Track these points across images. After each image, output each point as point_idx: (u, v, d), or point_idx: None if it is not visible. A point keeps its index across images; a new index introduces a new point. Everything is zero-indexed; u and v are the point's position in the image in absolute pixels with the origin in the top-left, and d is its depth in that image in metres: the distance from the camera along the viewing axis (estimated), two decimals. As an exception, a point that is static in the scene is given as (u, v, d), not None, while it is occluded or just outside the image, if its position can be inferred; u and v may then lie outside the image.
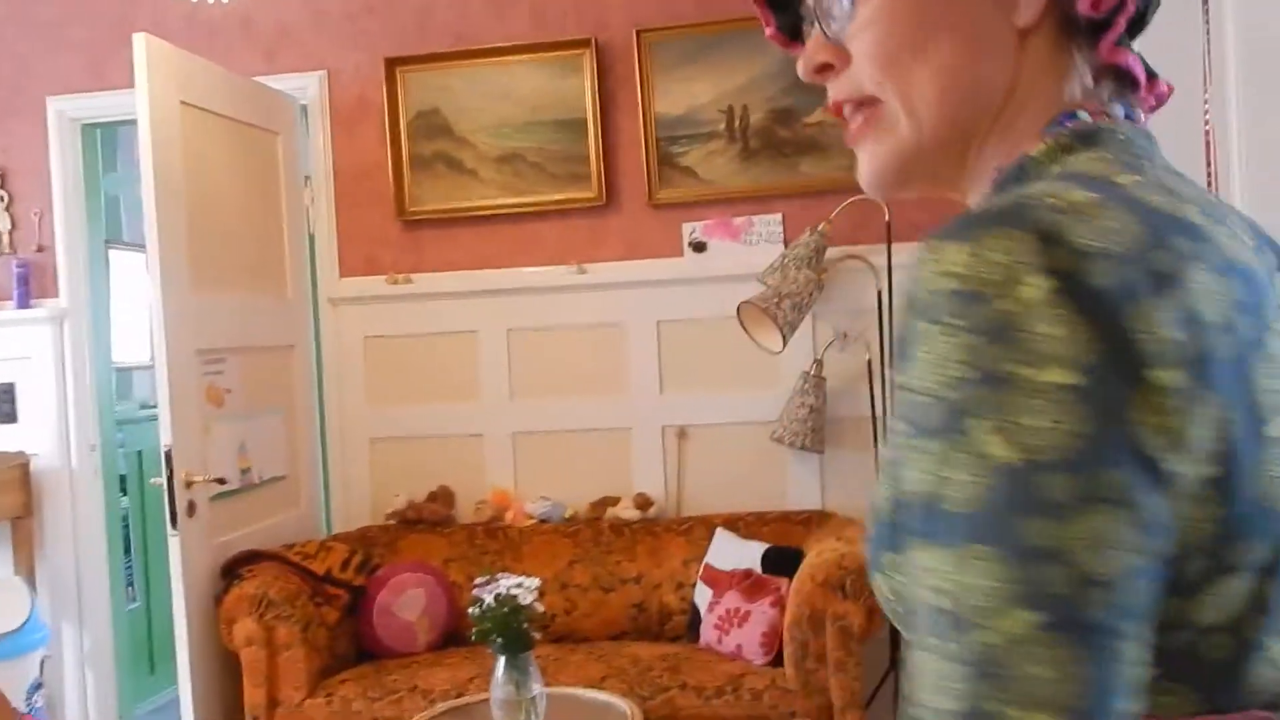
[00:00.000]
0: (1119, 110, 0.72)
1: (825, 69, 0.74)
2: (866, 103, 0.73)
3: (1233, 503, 0.58)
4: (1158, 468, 0.55)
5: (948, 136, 0.71)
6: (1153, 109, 0.75)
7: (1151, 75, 0.74)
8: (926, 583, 0.56)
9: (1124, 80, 0.72)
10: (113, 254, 4.67)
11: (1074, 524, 0.53)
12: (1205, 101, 1.80)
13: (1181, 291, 0.57)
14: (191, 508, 3.24)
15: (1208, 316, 0.58)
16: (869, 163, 0.74)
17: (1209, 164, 1.79)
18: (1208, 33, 1.78)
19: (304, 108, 4.07)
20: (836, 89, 0.74)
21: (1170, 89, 0.75)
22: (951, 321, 0.56)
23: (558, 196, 3.92)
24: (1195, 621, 0.60)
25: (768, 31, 0.83)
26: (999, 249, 0.56)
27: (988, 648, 0.53)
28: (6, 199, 4.15)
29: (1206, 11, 1.78)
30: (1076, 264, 0.55)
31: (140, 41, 3.23)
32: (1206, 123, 1.80)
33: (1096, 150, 0.67)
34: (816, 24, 0.75)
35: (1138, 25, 0.72)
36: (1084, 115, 0.70)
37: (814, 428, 3.55)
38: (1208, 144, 1.80)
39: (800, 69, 0.76)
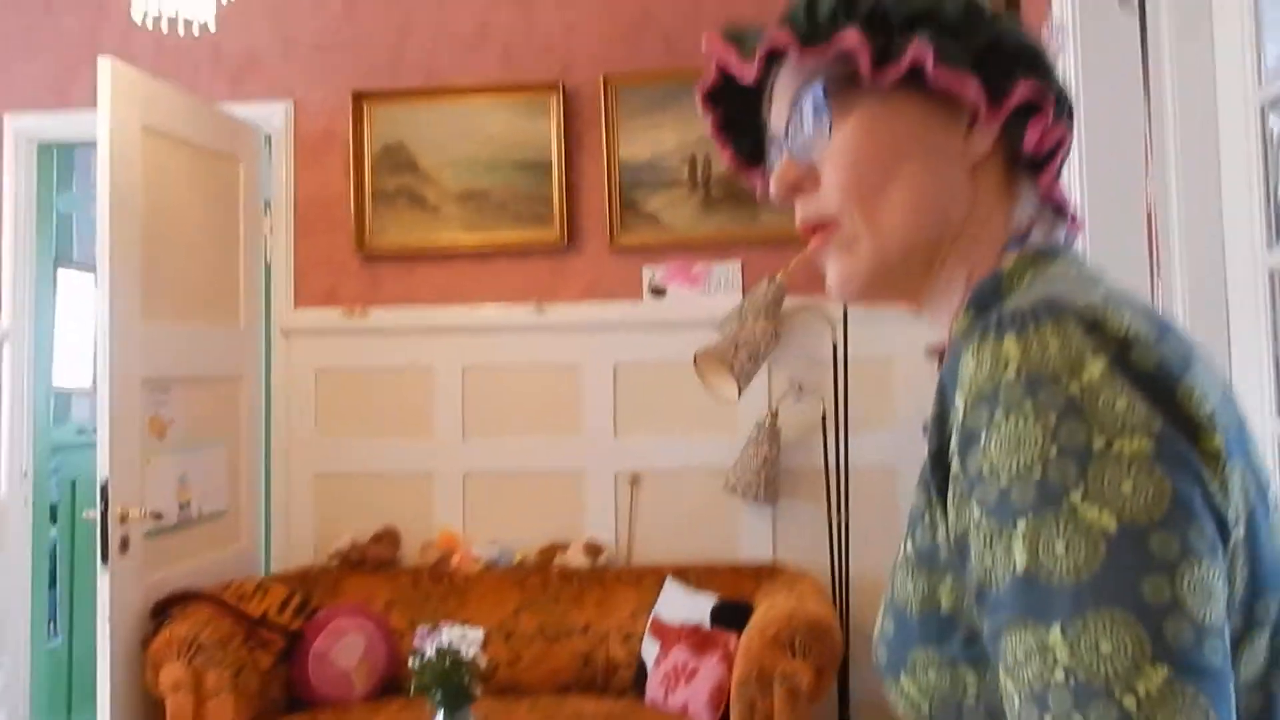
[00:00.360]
0: (1059, 236, 0.80)
1: (797, 190, 0.80)
2: (830, 223, 0.79)
3: (1257, 559, 0.63)
4: (1225, 521, 0.61)
5: (911, 256, 0.77)
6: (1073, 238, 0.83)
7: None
8: (1032, 664, 0.57)
9: (1059, 210, 0.81)
10: (61, 273, 4.57)
11: (1184, 576, 0.56)
12: (1146, 181, 1.88)
13: (1194, 374, 0.63)
14: (125, 543, 3.14)
15: (1213, 397, 0.63)
16: (836, 276, 0.80)
17: (1150, 240, 1.86)
18: (1148, 115, 1.86)
19: (268, 136, 4.03)
20: (805, 209, 0.80)
21: (1081, 224, 0.83)
22: (1025, 406, 0.60)
23: (519, 236, 3.90)
24: (1237, 678, 0.62)
25: (724, 157, 0.89)
26: (1053, 338, 0.61)
27: (1127, 712, 0.54)
28: (-46, 216, 4.07)
29: (1148, 97, 1.85)
30: (1120, 348, 0.61)
31: (105, 65, 3.18)
32: (1148, 199, 1.88)
33: (1061, 265, 0.75)
34: (787, 148, 0.80)
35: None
36: (1037, 237, 0.78)
37: (767, 478, 3.52)
38: (1149, 218, 1.87)
39: (773, 190, 0.81)
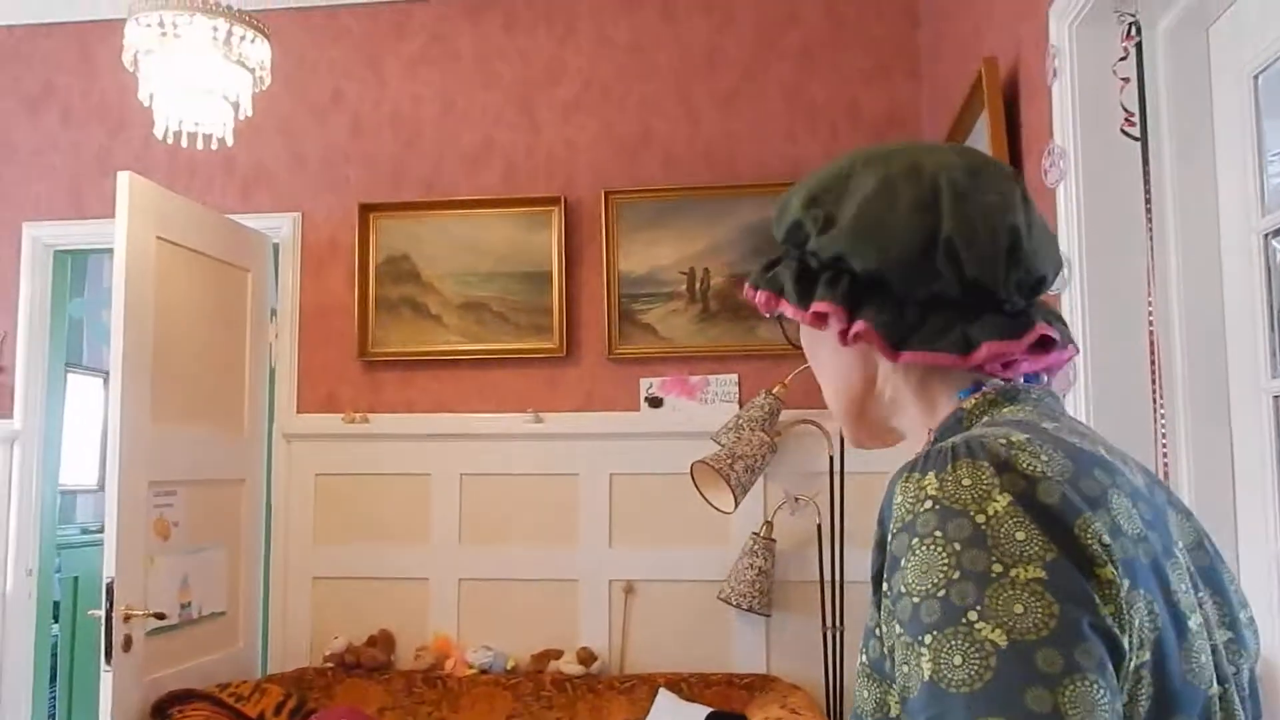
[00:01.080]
0: (1018, 380, 0.92)
1: None
2: None
3: (1164, 682, 0.70)
4: (1118, 644, 0.68)
5: (854, 422, 1.01)
6: (1046, 350, 0.92)
7: (1066, 341, 0.93)
8: None
9: (1007, 366, 0.92)
10: (70, 376, 4.67)
11: (1064, 690, 0.64)
12: (1149, 305, 1.88)
13: (1106, 510, 0.72)
14: (128, 642, 3.18)
15: (1127, 530, 0.72)
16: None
17: (1153, 363, 1.86)
18: (1150, 241, 1.88)
19: (276, 246, 4.16)
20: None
21: (1076, 350, 0.94)
22: (936, 535, 0.70)
23: (518, 345, 4.01)
24: None
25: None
26: (966, 475, 0.72)
27: None
28: (-29, 320, 4.18)
29: (1150, 223, 1.88)
30: (1026, 485, 0.71)
31: (124, 180, 3.32)
32: (1150, 324, 1.88)
33: (1018, 404, 0.87)
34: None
35: (1029, 281, 0.91)
36: (996, 381, 0.91)
37: (761, 590, 3.57)
38: (1151, 345, 1.87)
39: None
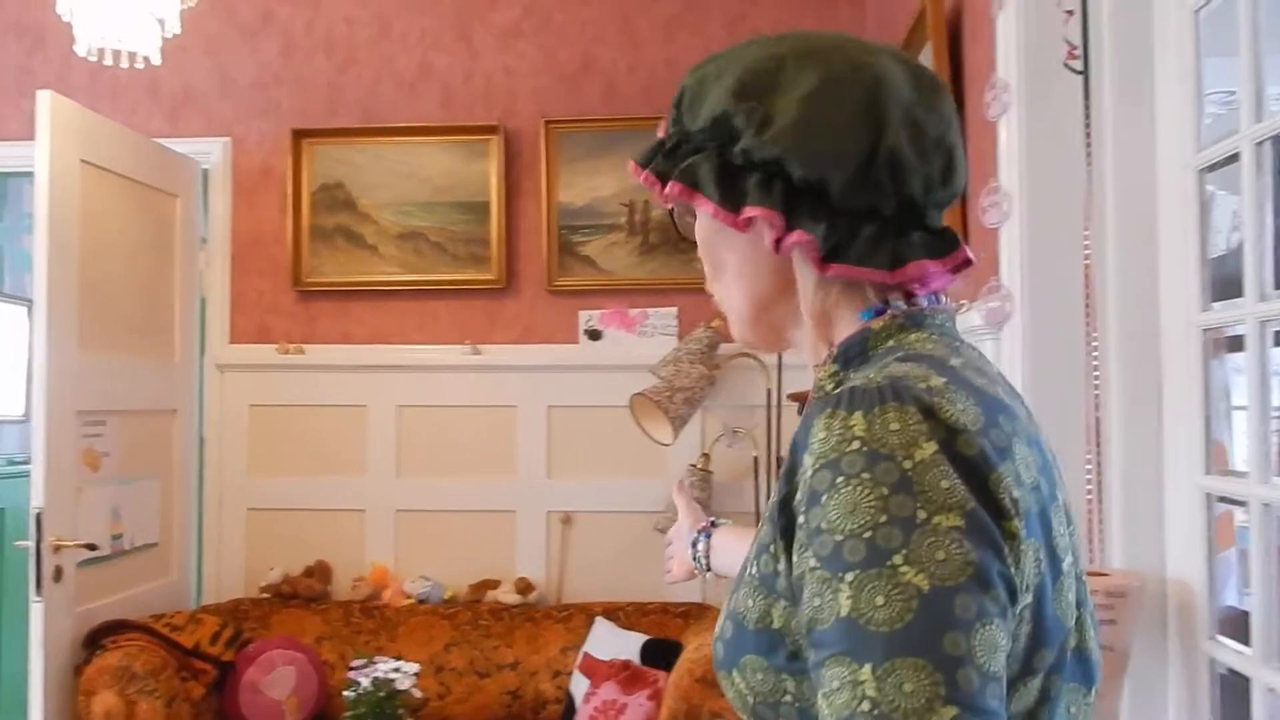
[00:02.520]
0: (922, 302, 0.90)
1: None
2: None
3: (1040, 621, 0.75)
4: (1015, 590, 0.72)
5: (753, 324, 0.96)
6: (958, 271, 0.91)
7: (955, 246, 0.90)
8: (844, 694, 0.67)
9: (908, 287, 0.89)
10: (-10, 304, 4.53)
11: (976, 634, 0.67)
12: (1085, 238, 1.90)
13: (1011, 461, 0.75)
14: (58, 573, 3.14)
15: (1025, 480, 0.76)
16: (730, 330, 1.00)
17: (1086, 296, 1.90)
18: (1089, 175, 1.90)
19: (206, 172, 4.06)
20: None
21: (972, 260, 0.91)
22: (864, 476, 0.71)
23: (457, 276, 3.97)
24: (1011, 712, 0.75)
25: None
26: (894, 419, 0.72)
27: None
28: (-116, 243, 4.03)
29: (1089, 158, 1.90)
30: (948, 435, 0.72)
31: (44, 99, 3.20)
32: (1086, 258, 1.91)
33: (923, 330, 0.86)
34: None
35: (949, 200, 0.90)
36: (899, 304, 0.88)
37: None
38: (1086, 278, 1.90)
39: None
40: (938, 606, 0.67)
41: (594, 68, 4.00)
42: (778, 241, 0.86)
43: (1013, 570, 0.71)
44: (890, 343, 0.85)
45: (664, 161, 0.93)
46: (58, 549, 3.13)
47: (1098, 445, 1.86)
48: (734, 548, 1.33)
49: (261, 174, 4.07)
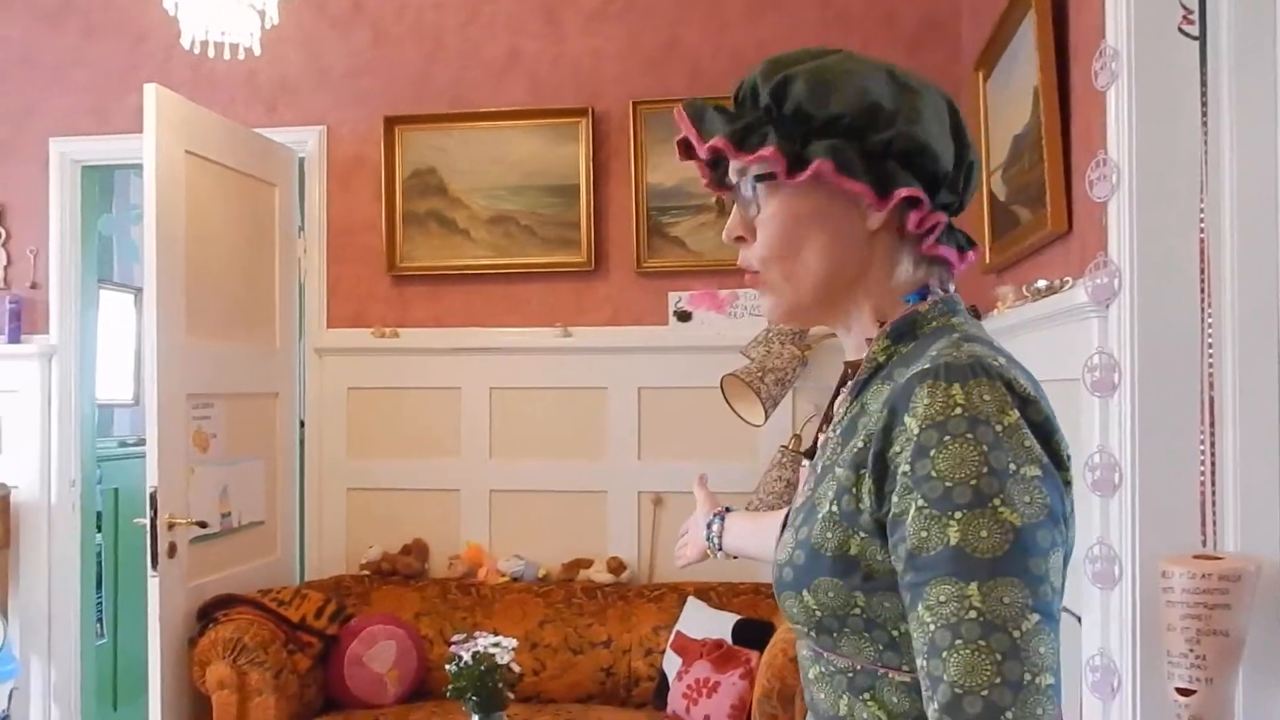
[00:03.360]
0: (949, 286, 1.08)
1: (740, 240, 1.08)
2: (756, 273, 1.08)
3: (1069, 547, 0.94)
4: (1069, 526, 0.94)
5: (818, 300, 1.06)
6: (963, 267, 1.09)
7: (968, 247, 1.08)
8: (951, 605, 0.85)
9: (944, 263, 1.07)
10: (102, 293, 4.70)
11: (1052, 559, 0.88)
12: (1201, 212, 1.85)
13: (1059, 426, 0.94)
14: (172, 549, 3.26)
15: (1066, 442, 0.95)
16: (766, 309, 1.09)
17: (1202, 272, 1.85)
18: (1205, 144, 1.84)
19: (301, 161, 4.15)
20: (744, 256, 1.08)
21: (976, 256, 1.10)
22: (968, 436, 0.89)
23: (547, 259, 4.01)
24: None
25: (703, 180, 1.14)
26: (986, 391, 0.90)
27: (1014, 639, 0.83)
28: (4, 235, 4.20)
29: (1204, 125, 1.85)
30: (1023, 404, 0.91)
31: (151, 92, 3.31)
32: (1202, 232, 1.85)
33: (958, 315, 1.03)
34: (738, 205, 1.07)
35: (958, 210, 1.07)
36: (936, 290, 1.05)
37: (788, 502, 3.61)
38: (1202, 251, 1.85)
39: (724, 235, 1.09)
40: (1027, 538, 0.86)
41: (680, 49, 4.00)
42: (917, 225, 1.01)
43: (1068, 510, 0.93)
44: (934, 324, 1.02)
45: (774, 137, 1.01)
46: (171, 526, 3.25)
47: (1211, 425, 1.82)
48: (744, 528, 1.54)
49: (355, 162, 4.15)
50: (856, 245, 1.03)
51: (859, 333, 1.06)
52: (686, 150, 1.10)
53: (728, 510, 1.59)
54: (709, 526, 1.58)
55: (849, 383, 1.07)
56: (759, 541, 1.46)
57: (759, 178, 1.03)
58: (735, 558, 1.56)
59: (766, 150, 1.00)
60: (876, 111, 1.00)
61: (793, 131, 1.01)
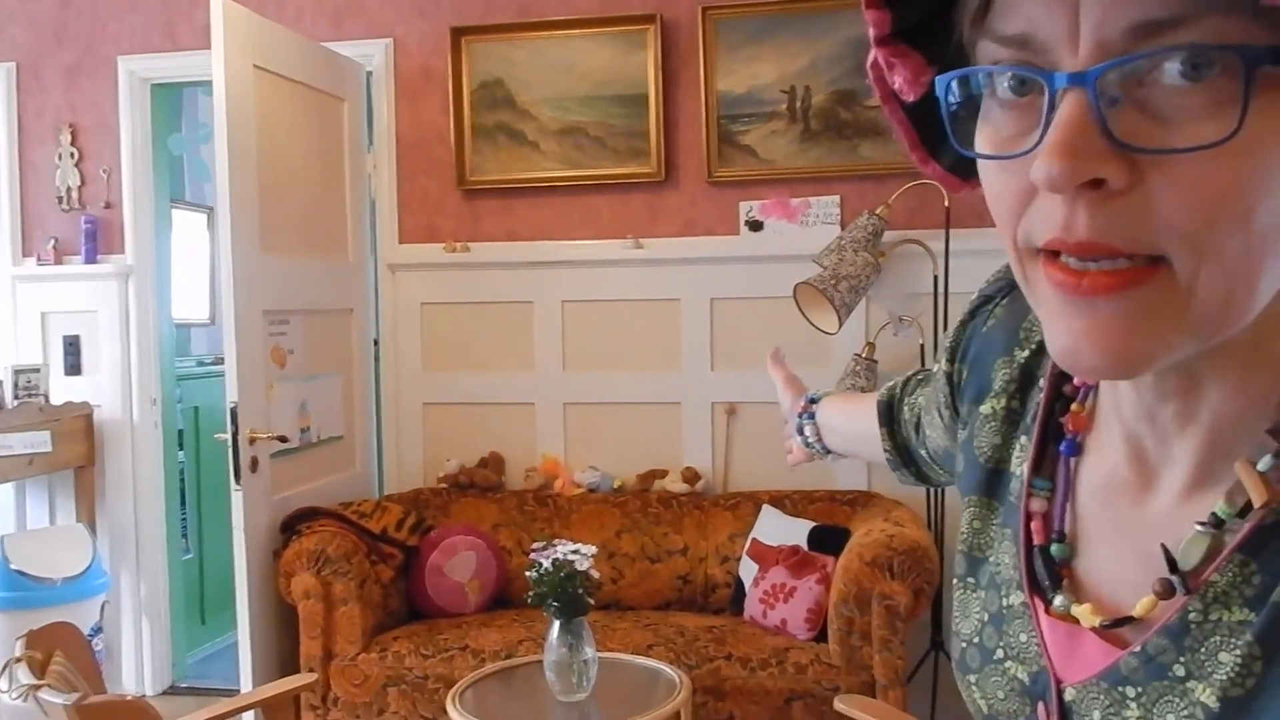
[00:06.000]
0: None
1: (1096, 184, 0.47)
2: (1145, 261, 0.48)
3: None
4: None
5: (1255, 304, 0.50)
6: None
7: None
8: None
9: None
10: (174, 213, 4.75)
11: None
12: None
13: None
14: (254, 464, 3.32)
15: None
16: (1116, 344, 0.50)
17: None
18: None
19: (369, 75, 4.13)
20: (1099, 220, 0.48)
21: None
22: None
23: (617, 171, 3.96)
24: None
25: (883, 97, 0.60)
26: None
27: None
28: (76, 156, 4.24)
29: None
30: None
31: (218, 5, 3.29)
32: None
33: None
34: (1099, 115, 0.46)
35: None
36: None
37: (864, 409, 3.57)
38: None
39: (1056, 173, 0.47)
40: None
41: (750, -50, 3.88)
42: None
43: None
44: None
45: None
46: (253, 441, 3.31)
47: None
48: (840, 425, 1.16)
49: (423, 75, 4.11)
50: None
51: (1266, 386, 0.54)
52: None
53: (813, 401, 1.20)
54: (800, 431, 1.20)
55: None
56: (856, 430, 1.11)
57: (1255, 62, 0.43)
58: (845, 457, 1.21)
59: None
60: None
61: None
